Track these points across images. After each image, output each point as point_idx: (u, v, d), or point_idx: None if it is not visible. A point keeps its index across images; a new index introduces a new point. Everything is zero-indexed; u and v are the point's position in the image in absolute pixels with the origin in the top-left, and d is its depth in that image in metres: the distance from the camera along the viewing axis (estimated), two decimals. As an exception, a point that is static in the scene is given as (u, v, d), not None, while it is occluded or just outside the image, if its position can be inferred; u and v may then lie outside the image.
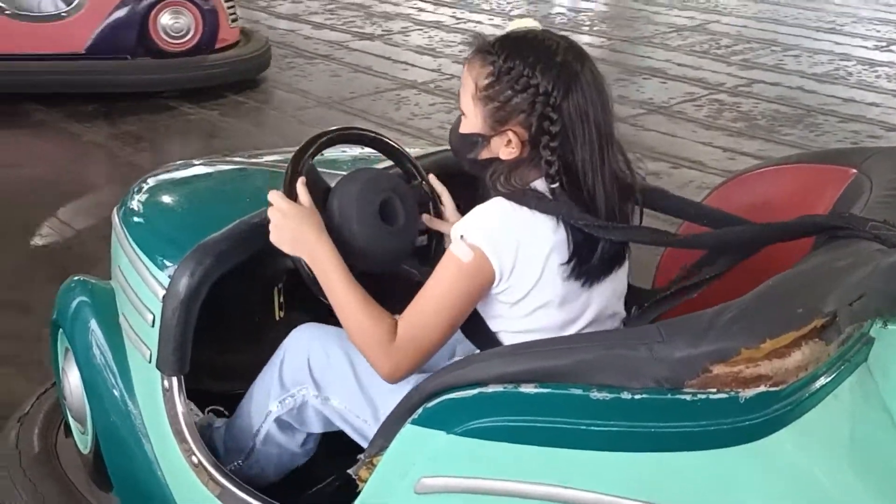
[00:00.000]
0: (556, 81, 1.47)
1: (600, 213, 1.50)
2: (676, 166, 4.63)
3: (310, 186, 1.68)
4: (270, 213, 1.65)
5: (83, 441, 2.11)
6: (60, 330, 2.13)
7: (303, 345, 1.75)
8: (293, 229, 1.63)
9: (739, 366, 1.25)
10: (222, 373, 2.06)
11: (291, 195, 1.66)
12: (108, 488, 2.05)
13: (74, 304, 2.08)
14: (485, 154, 1.55)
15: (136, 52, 5.37)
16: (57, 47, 5.23)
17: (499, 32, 1.57)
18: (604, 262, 1.53)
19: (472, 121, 1.55)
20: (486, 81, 1.51)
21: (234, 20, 5.76)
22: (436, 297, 1.51)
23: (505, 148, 1.52)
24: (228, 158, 2.33)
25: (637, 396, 1.27)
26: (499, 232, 1.49)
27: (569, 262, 1.50)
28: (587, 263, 1.51)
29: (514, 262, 1.48)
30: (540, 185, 1.52)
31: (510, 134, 1.51)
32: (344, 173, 1.85)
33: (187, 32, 5.45)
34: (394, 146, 1.92)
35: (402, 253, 1.80)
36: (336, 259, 1.60)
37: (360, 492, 1.53)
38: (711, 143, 4.99)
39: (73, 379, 2.07)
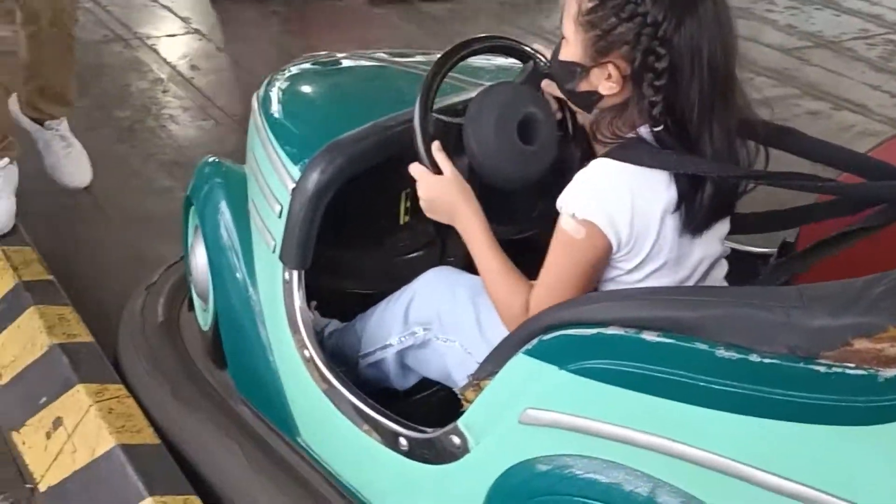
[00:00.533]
0: (667, 11, 1.32)
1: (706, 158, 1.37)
2: (838, 108, 4.36)
3: (440, 136, 1.62)
4: (418, 187, 1.61)
5: (204, 317, 2.17)
6: (192, 207, 2.17)
7: (434, 287, 1.74)
8: (441, 203, 1.59)
9: (884, 343, 1.15)
10: (340, 270, 2.06)
11: (430, 161, 1.61)
12: (222, 366, 2.10)
13: (208, 184, 2.11)
14: (583, 86, 1.43)
15: None
16: None
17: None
18: (713, 209, 1.41)
19: (573, 48, 1.42)
20: (590, 5, 1.38)
21: None
22: (557, 273, 1.44)
23: (605, 82, 1.40)
24: (371, 55, 2.29)
25: (766, 360, 1.20)
26: (609, 201, 1.38)
27: (678, 210, 1.39)
28: (696, 213, 1.40)
29: (630, 229, 1.39)
30: (645, 131, 1.39)
31: (611, 67, 1.38)
32: (483, 84, 1.79)
33: None
34: (530, 51, 1.82)
35: (542, 170, 1.74)
36: (483, 228, 1.56)
37: (463, 411, 1.51)
38: (880, 86, 4.66)
39: (199, 257, 2.11)
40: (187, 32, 4.62)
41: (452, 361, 1.72)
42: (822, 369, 1.18)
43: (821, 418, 1.19)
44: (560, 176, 1.78)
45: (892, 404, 1.17)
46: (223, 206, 2.04)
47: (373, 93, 2.09)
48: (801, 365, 1.19)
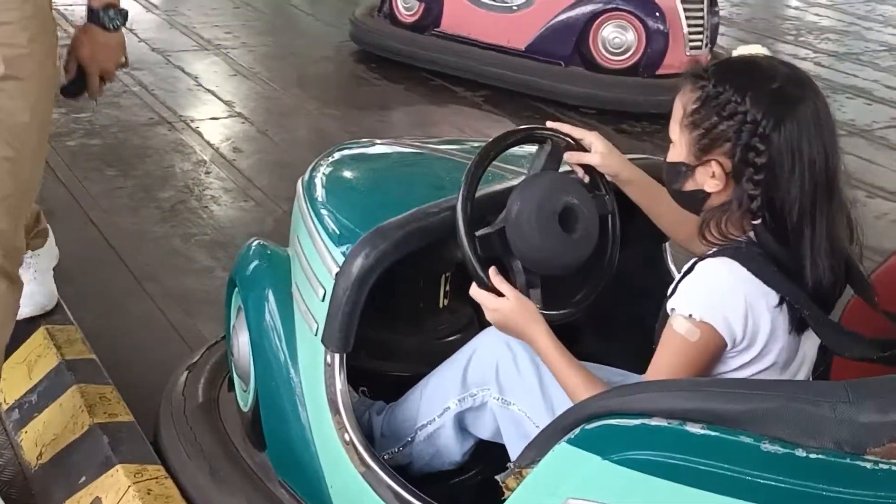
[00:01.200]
0: (766, 110, 1.39)
1: (804, 259, 1.41)
2: (872, 196, 4.37)
3: (485, 242, 1.68)
4: (485, 312, 1.66)
5: (244, 398, 2.18)
6: (236, 289, 2.20)
7: (492, 347, 1.75)
8: (509, 324, 1.64)
9: (932, 442, 1.15)
10: (381, 352, 2.08)
11: (487, 282, 1.66)
12: (261, 447, 2.11)
13: (252, 266, 2.14)
14: (689, 185, 1.49)
15: (571, 59, 4.98)
16: (501, 40, 5.08)
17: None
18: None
19: (678, 149, 1.49)
20: (693, 107, 1.45)
21: (696, 47, 5.00)
22: (670, 375, 1.46)
23: (710, 180, 1.46)
24: (410, 142, 2.34)
25: (812, 455, 1.20)
26: (724, 302, 1.43)
27: (781, 306, 1.43)
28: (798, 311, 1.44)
29: (745, 328, 1.43)
30: (753, 235, 1.45)
31: (714, 164, 1.44)
32: (522, 171, 1.83)
33: (627, 50, 4.88)
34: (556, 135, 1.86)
35: (580, 261, 1.77)
36: (553, 342, 1.60)
37: (504, 499, 1.51)
38: (914, 176, 4.68)
39: (242, 338, 2.14)
40: (230, 116, 4.74)
41: (507, 424, 1.73)
42: (869, 465, 1.18)
43: (867, 515, 1.18)
44: (598, 257, 1.82)
45: (939, 502, 1.16)
46: (267, 288, 2.07)
47: (413, 179, 2.14)
48: (848, 461, 1.18)
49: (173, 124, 4.54)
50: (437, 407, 1.80)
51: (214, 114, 4.75)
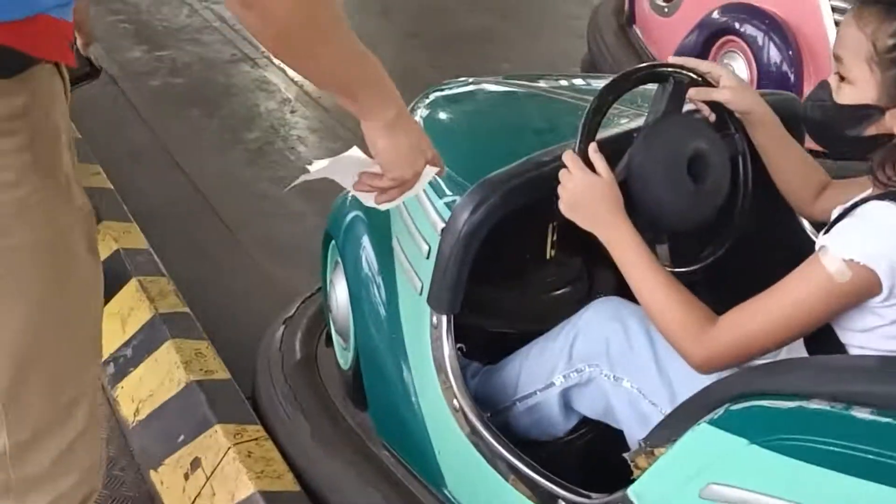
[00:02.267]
0: None
1: None
2: None
3: (604, 147, 1.52)
4: (562, 176, 1.51)
5: (344, 356, 2.09)
6: (333, 242, 2.10)
7: (601, 320, 1.61)
8: (588, 203, 1.49)
9: None
10: (483, 308, 1.96)
11: (587, 159, 1.51)
12: (363, 407, 2.03)
13: (349, 217, 2.03)
14: (873, 130, 1.32)
15: None
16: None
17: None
18: None
19: (864, 90, 1.32)
20: (891, 42, 1.27)
21: None
22: (785, 305, 1.31)
23: None
24: (526, 81, 2.18)
25: None
26: (892, 245, 1.26)
27: None
28: None
29: None
30: None
31: None
32: (639, 112, 1.67)
33: None
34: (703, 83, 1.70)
35: (705, 215, 1.62)
36: (635, 241, 1.45)
37: (634, 479, 1.39)
38: None
39: (340, 293, 2.04)
40: (313, 50, 4.61)
41: (619, 402, 1.60)
42: None
43: None
44: (729, 205, 1.66)
45: None
46: (365, 240, 1.97)
47: (523, 123, 1.99)
48: None
49: (256, 60, 4.43)
50: (539, 380, 1.68)
51: (298, 48, 4.63)
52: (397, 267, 1.88)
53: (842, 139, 1.37)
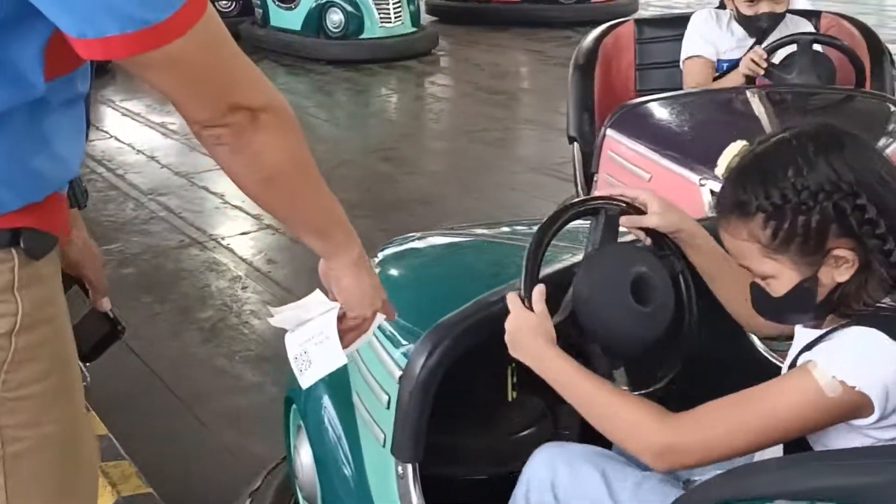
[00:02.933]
0: (829, 163, 1.28)
1: None
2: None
3: (549, 283, 1.57)
4: (508, 318, 1.56)
5: (313, 521, 2.06)
6: (294, 406, 2.10)
7: (544, 467, 1.62)
8: (523, 339, 1.54)
9: None
10: (448, 456, 1.96)
11: (528, 297, 1.56)
12: (339, 573, 1.98)
13: (307, 380, 2.05)
14: (822, 293, 1.34)
15: None
16: None
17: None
18: None
19: (786, 276, 1.34)
20: (770, 229, 1.32)
21: None
22: (763, 411, 1.31)
23: (840, 269, 1.31)
24: (464, 230, 2.27)
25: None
26: (885, 371, 1.26)
27: None
28: None
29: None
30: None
31: (836, 252, 1.30)
32: (575, 246, 1.74)
33: None
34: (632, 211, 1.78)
35: (655, 335, 1.67)
36: (567, 363, 1.48)
37: None
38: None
39: (304, 457, 2.03)
40: (259, 229, 4.70)
41: None
42: None
43: None
44: (677, 323, 1.71)
45: None
46: (326, 400, 1.98)
47: (467, 268, 2.05)
48: None
49: (204, 244, 4.51)
50: None
51: (244, 229, 4.72)
52: (359, 421, 1.89)
53: (809, 312, 1.38)
